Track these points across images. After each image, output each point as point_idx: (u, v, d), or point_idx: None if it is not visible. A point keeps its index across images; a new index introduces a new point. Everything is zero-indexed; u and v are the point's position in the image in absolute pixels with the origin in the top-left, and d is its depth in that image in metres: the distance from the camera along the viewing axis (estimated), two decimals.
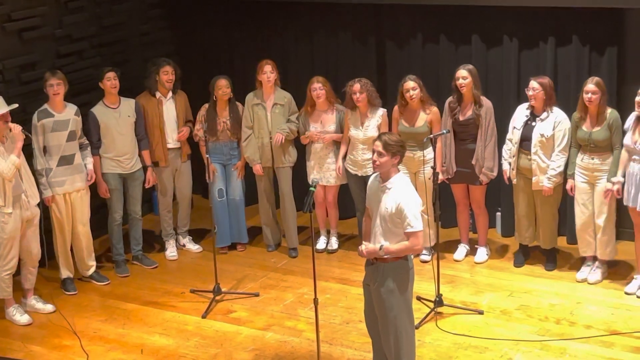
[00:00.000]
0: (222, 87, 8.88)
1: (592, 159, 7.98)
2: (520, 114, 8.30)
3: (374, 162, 6.30)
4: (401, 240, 6.20)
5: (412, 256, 6.43)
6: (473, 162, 8.44)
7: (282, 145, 8.86)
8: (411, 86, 8.41)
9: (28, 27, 8.81)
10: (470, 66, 8.37)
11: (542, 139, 8.12)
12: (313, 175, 8.87)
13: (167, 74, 8.92)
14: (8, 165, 7.59)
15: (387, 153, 6.20)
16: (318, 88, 8.71)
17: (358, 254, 6.38)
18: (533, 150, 8.17)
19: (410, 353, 6.47)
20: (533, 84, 8.12)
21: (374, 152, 6.29)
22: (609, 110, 7.92)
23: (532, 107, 8.22)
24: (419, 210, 6.24)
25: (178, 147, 9.12)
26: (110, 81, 8.57)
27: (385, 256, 6.25)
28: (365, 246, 6.28)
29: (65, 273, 8.58)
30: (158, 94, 8.99)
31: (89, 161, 8.54)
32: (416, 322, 7.60)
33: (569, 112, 8.20)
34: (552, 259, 8.59)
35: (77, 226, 8.50)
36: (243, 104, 9.04)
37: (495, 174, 8.48)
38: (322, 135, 8.82)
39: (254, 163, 8.98)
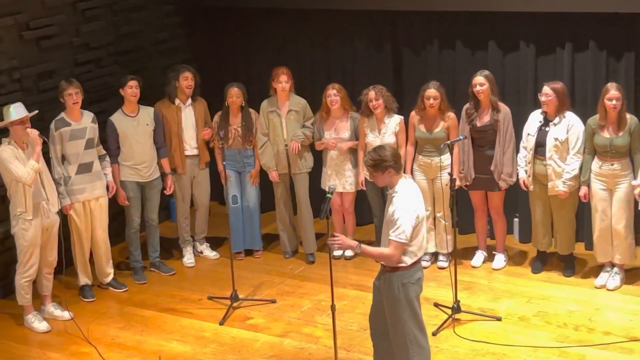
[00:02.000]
0: (233, 95, 8.91)
1: (612, 164, 7.95)
2: (534, 120, 8.28)
3: (374, 178, 6.36)
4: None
5: (421, 263, 6.40)
6: (492, 168, 8.42)
7: (298, 151, 8.87)
8: (433, 95, 8.40)
9: (46, 35, 8.86)
10: (487, 72, 8.36)
11: (557, 143, 8.09)
12: (330, 182, 8.88)
13: (187, 80, 8.94)
14: (27, 170, 7.63)
15: (377, 171, 6.23)
16: (333, 95, 8.72)
17: (329, 245, 6.27)
18: (548, 155, 8.14)
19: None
20: (546, 89, 8.09)
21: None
22: (629, 116, 7.89)
23: (545, 113, 8.20)
24: (412, 223, 6.15)
25: (196, 154, 9.14)
26: (132, 89, 8.60)
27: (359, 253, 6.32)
28: (339, 238, 6.21)
29: (84, 280, 8.61)
30: (177, 101, 9.02)
31: (108, 172, 8.57)
32: (434, 328, 7.61)
33: (586, 117, 8.17)
34: (570, 265, 8.55)
35: (96, 233, 8.53)
36: (259, 110, 9.06)
37: (514, 179, 8.45)
38: (338, 143, 8.82)
39: (270, 170, 8.99)
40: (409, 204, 6.19)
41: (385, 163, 6.20)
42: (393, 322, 6.35)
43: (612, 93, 7.79)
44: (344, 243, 6.22)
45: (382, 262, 6.31)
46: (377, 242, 8.63)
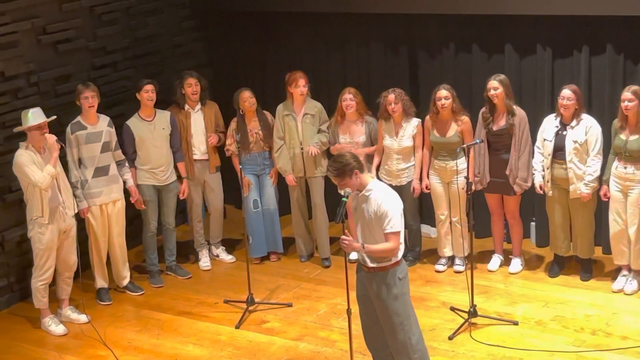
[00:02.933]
0: (247, 98, 8.91)
1: (625, 167, 7.92)
2: (549, 125, 8.25)
3: (343, 186, 6.38)
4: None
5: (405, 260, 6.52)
6: (507, 172, 8.39)
7: (314, 156, 8.87)
8: (443, 95, 8.40)
9: (63, 39, 8.90)
10: (502, 76, 8.33)
11: (576, 145, 8.06)
12: None
13: (190, 87, 8.94)
14: (44, 175, 7.66)
15: (344, 177, 6.28)
16: (349, 99, 8.71)
17: (340, 244, 6.32)
18: (568, 158, 8.11)
19: (424, 355, 6.54)
20: (567, 92, 8.06)
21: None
22: None
23: (561, 116, 8.16)
24: (400, 212, 6.31)
25: (205, 158, 9.14)
26: (148, 93, 8.61)
27: (369, 261, 6.29)
28: (349, 239, 6.25)
29: (100, 283, 8.64)
30: (186, 107, 9.02)
31: (129, 177, 8.60)
32: (450, 333, 7.60)
33: (603, 121, 8.14)
34: (588, 269, 8.51)
35: (113, 237, 8.55)
36: (274, 114, 9.07)
37: (529, 184, 8.42)
38: (354, 149, 8.81)
39: (286, 174, 9.00)
40: (391, 196, 6.34)
41: (349, 167, 6.27)
42: (390, 320, 6.38)
43: (625, 95, 7.81)
44: (350, 245, 6.26)
45: (368, 265, 6.36)
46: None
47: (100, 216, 8.43)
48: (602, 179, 8.11)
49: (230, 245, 9.64)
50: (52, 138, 7.76)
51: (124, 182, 8.57)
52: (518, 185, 8.41)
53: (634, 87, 7.82)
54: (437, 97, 8.43)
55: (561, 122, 8.18)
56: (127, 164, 8.61)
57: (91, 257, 8.53)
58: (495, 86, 8.25)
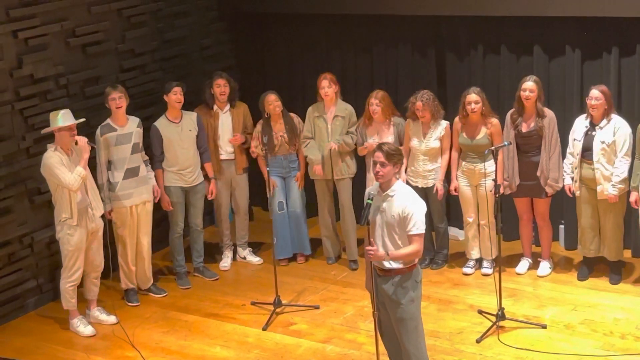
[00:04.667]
0: (272, 101, 8.91)
1: None
2: (580, 125, 8.20)
3: (377, 173, 6.31)
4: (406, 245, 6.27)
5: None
6: (538, 173, 8.34)
7: (341, 156, 8.86)
8: (474, 99, 8.36)
9: (91, 42, 8.95)
10: (536, 78, 8.29)
11: (604, 146, 8.00)
12: (369, 188, 8.84)
13: (219, 87, 8.98)
14: (74, 177, 7.71)
15: (390, 162, 6.26)
16: (375, 104, 8.68)
17: (365, 256, 6.33)
18: (595, 159, 8.05)
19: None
20: (595, 93, 8.01)
21: (375, 163, 6.31)
22: None
23: (590, 117, 8.11)
24: (424, 214, 6.30)
25: (232, 158, 9.16)
26: (176, 95, 8.65)
27: (391, 264, 6.28)
28: (374, 249, 6.23)
29: (128, 284, 8.67)
30: (215, 107, 9.06)
31: (151, 176, 8.63)
32: (478, 336, 7.56)
33: (633, 123, 8.07)
34: (617, 271, 8.44)
35: (141, 238, 8.58)
36: (300, 116, 9.07)
37: (560, 185, 8.36)
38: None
39: (314, 164, 8.95)
40: (415, 198, 6.33)
41: (401, 157, 6.34)
42: (406, 324, 6.36)
43: None
44: (376, 255, 6.24)
45: (384, 267, 6.33)
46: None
47: (129, 217, 8.46)
48: (631, 186, 8.02)
49: (257, 247, 9.65)
50: (83, 140, 7.81)
51: None
52: (550, 187, 8.36)
53: None
54: (467, 102, 8.39)
55: (591, 123, 8.13)
56: (149, 164, 8.64)
57: (119, 258, 8.57)
58: (531, 88, 8.19)
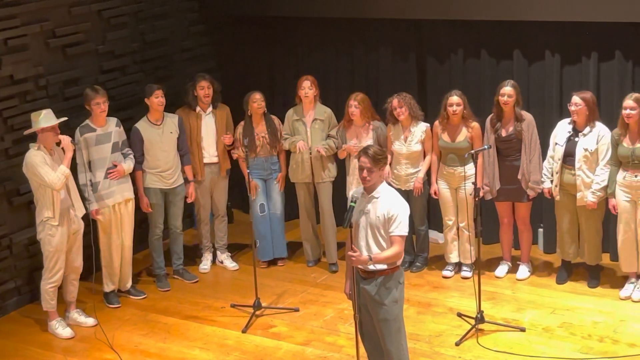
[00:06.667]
0: (257, 99, 8.91)
1: (636, 176, 7.88)
2: (562, 129, 8.24)
3: (364, 178, 6.28)
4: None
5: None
6: (519, 176, 8.37)
7: (321, 160, 8.87)
8: (455, 101, 8.39)
9: (72, 43, 8.92)
10: (514, 82, 8.33)
11: (587, 153, 8.04)
12: (352, 191, 8.85)
13: (203, 89, 8.97)
14: (57, 176, 7.67)
15: (376, 167, 6.25)
16: (354, 106, 8.70)
17: (347, 261, 6.36)
18: (577, 165, 8.09)
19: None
20: (575, 99, 8.05)
21: (362, 169, 6.27)
22: None
23: (574, 123, 8.15)
24: (407, 216, 6.31)
25: (215, 162, 9.15)
26: (158, 98, 8.63)
27: (373, 266, 6.26)
28: (356, 254, 6.21)
29: (109, 286, 8.64)
30: (198, 109, 9.05)
31: (127, 162, 8.49)
32: (457, 338, 7.58)
33: (612, 127, 8.12)
34: (595, 275, 8.49)
35: (123, 238, 8.55)
36: (283, 120, 9.07)
37: (542, 187, 8.40)
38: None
39: (297, 141, 8.85)
40: (400, 200, 6.33)
41: (384, 159, 6.33)
42: (389, 325, 6.37)
43: (627, 102, 7.79)
44: (359, 259, 6.23)
45: (368, 269, 6.31)
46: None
47: (113, 217, 8.43)
48: (608, 192, 8.06)
49: (237, 249, 9.64)
50: (66, 139, 7.79)
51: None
52: (531, 189, 8.39)
53: (636, 95, 7.80)
54: (449, 103, 8.42)
55: (574, 128, 8.16)
56: (130, 155, 8.53)
57: (101, 259, 8.52)
58: (509, 93, 8.22)
